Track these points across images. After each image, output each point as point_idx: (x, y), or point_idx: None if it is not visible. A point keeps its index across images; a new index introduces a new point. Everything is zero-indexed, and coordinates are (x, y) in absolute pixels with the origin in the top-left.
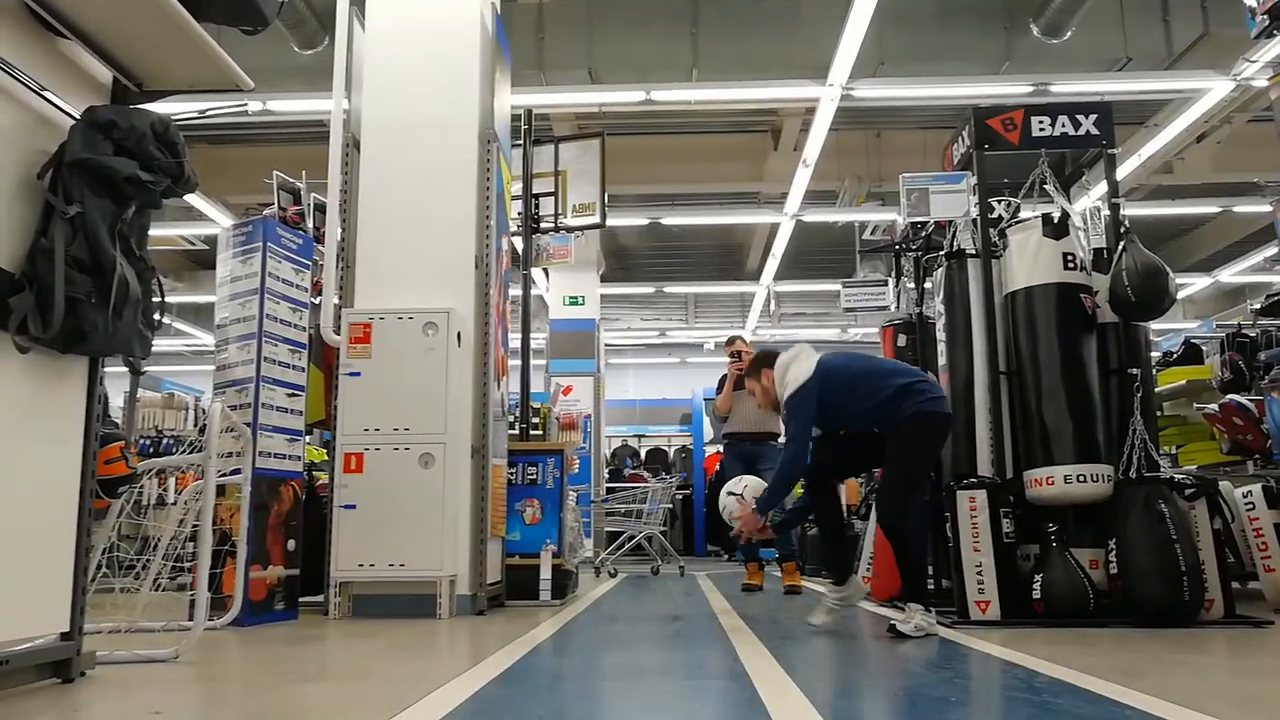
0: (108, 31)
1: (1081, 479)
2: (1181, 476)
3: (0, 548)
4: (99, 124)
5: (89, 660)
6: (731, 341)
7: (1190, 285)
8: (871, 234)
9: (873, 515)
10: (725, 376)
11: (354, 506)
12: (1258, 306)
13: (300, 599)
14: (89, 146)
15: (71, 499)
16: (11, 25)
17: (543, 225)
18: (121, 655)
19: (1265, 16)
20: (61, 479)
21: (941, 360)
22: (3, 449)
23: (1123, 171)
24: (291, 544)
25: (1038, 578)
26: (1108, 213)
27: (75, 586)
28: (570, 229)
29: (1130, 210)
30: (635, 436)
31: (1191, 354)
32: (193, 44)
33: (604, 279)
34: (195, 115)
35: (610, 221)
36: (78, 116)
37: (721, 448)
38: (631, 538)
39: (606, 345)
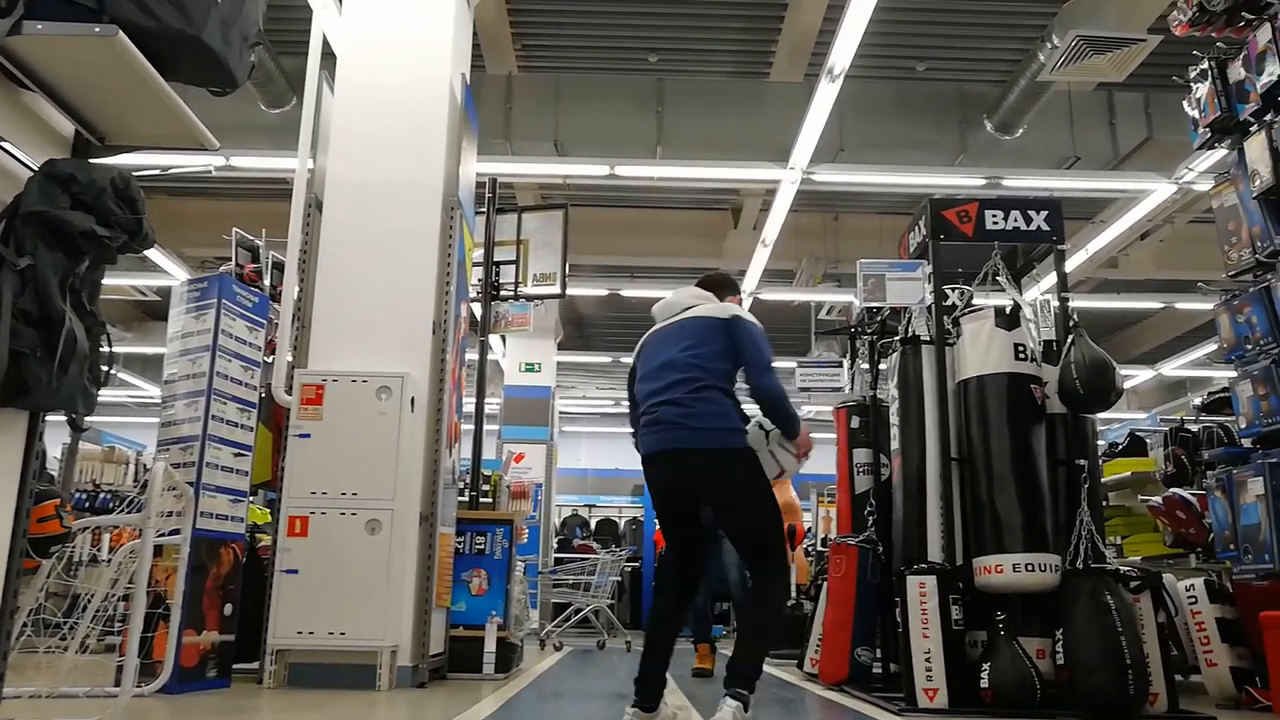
0: (72, 85)
1: (1030, 568)
2: (1127, 569)
3: None
4: (58, 177)
5: None
6: None
7: (1134, 377)
8: (828, 314)
9: (821, 595)
10: None
11: (296, 571)
12: (1199, 403)
13: (234, 666)
14: (46, 199)
15: None
16: None
17: (503, 293)
18: None
19: (1207, 130)
20: None
21: (894, 444)
22: None
23: (1071, 264)
24: (229, 608)
25: (985, 666)
26: (1057, 306)
27: None
28: (530, 298)
29: (1078, 302)
30: (586, 506)
31: (1136, 446)
32: (159, 101)
33: (561, 346)
34: (158, 171)
35: (570, 291)
36: (36, 169)
37: None
38: (579, 610)
39: (561, 413)
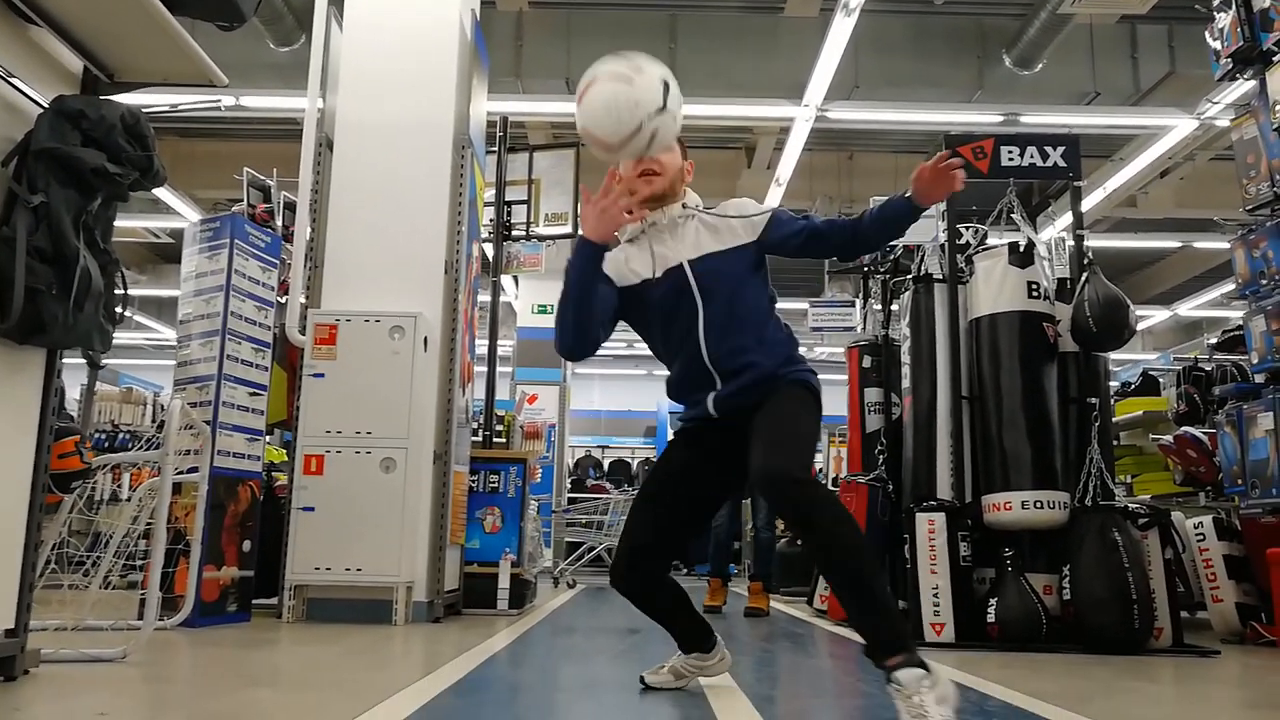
0: (80, 21)
1: (1039, 505)
2: (1135, 506)
3: None
4: (67, 114)
5: (33, 658)
6: None
7: (1150, 317)
8: None
9: None
10: None
11: (312, 509)
12: (1214, 341)
13: (254, 601)
14: (56, 136)
15: (23, 493)
16: None
17: (514, 233)
18: (67, 654)
19: (1229, 60)
20: (13, 472)
21: (906, 383)
22: None
23: (1088, 203)
24: (247, 545)
25: (993, 602)
26: (1072, 244)
27: (22, 583)
28: (542, 238)
29: (1094, 242)
30: (599, 447)
31: (1149, 385)
32: (167, 37)
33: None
34: (167, 109)
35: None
36: (46, 105)
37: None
38: (592, 549)
39: None
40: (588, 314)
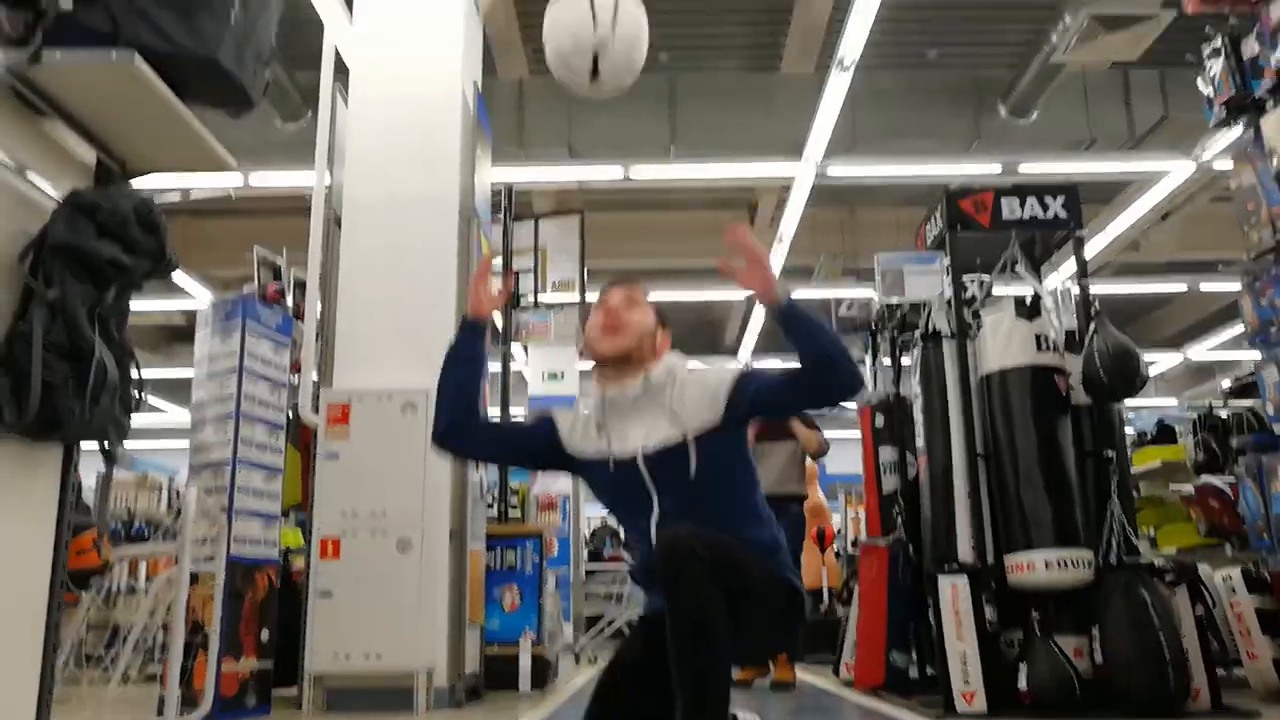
0: (92, 112)
1: (1062, 564)
2: (1161, 562)
3: None
4: (82, 207)
5: None
6: None
7: (1160, 362)
8: (847, 309)
9: (854, 599)
10: None
11: (330, 594)
12: (1228, 388)
13: (273, 690)
14: (72, 230)
15: (41, 594)
16: None
17: (522, 302)
18: None
19: (1223, 108)
20: (30, 573)
21: (920, 442)
22: None
23: (1090, 250)
24: (265, 634)
25: (1023, 666)
26: (1078, 293)
27: (42, 686)
28: (550, 305)
29: (1099, 287)
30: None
31: (1165, 434)
32: (178, 125)
33: (583, 354)
34: (179, 196)
35: (589, 297)
36: (60, 199)
37: None
38: (611, 621)
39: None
40: (453, 391)
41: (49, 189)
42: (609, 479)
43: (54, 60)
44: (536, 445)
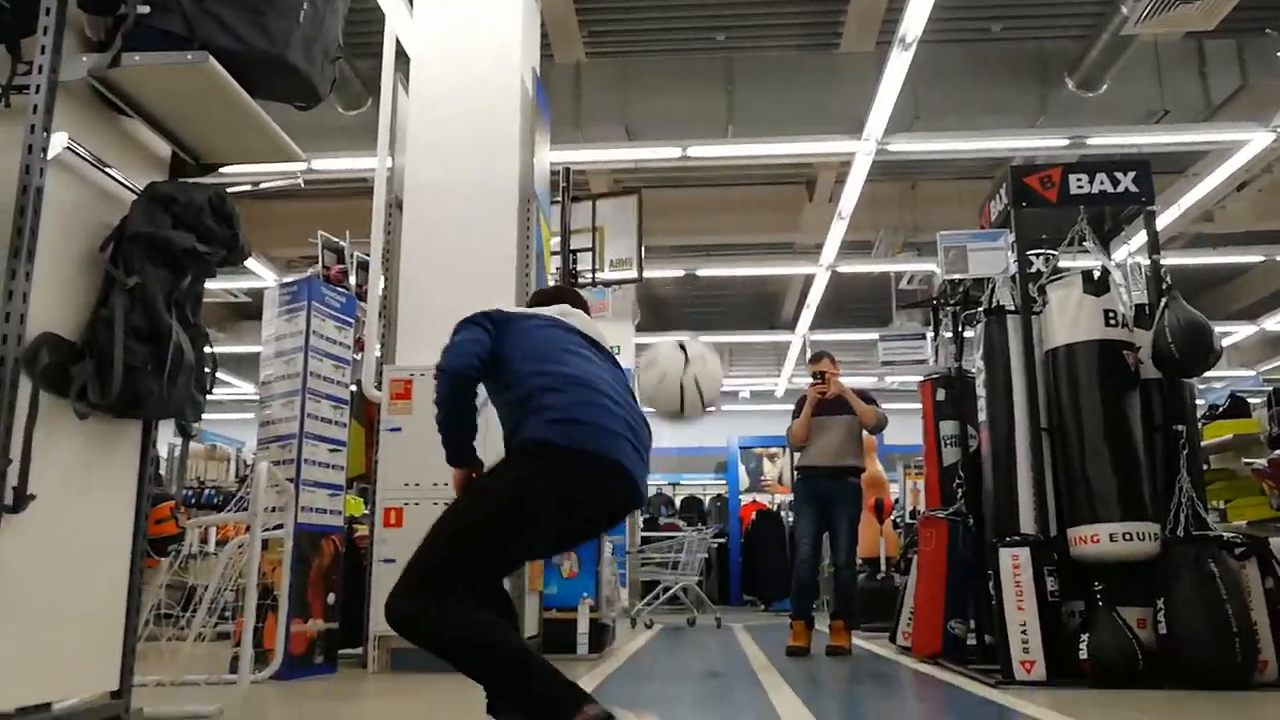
0: (168, 109)
1: (1128, 537)
2: (1231, 535)
3: (56, 608)
4: (159, 199)
5: (137, 717)
6: (818, 359)
7: (1234, 334)
8: (908, 284)
9: (912, 569)
10: (804, 399)
11: (393, 561)
12: None
13: (340, 651)
14: (150, 221)
15: (124, 559)
16: (78, 105)
17: (580, 280)
18: (168, 711)
19: None
20: (115, 540)
21: (982, 416)
22: (61, 511)
23: (1162, 221)
24: (331, 597)
25: (1084, 637)
26: (1148, 267)
27: (125, 646)
28: (608, 283)
29: (1171, 259)
30: (670, 485)
31: (1238, 407)
32: (249, 120)
33: (639, 329)
34: (249, 187)
35: (646, 274)
36: (139, 192)
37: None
38: (668, 588)
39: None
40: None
41: (128, 183)
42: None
43: (132, 62)
44: None
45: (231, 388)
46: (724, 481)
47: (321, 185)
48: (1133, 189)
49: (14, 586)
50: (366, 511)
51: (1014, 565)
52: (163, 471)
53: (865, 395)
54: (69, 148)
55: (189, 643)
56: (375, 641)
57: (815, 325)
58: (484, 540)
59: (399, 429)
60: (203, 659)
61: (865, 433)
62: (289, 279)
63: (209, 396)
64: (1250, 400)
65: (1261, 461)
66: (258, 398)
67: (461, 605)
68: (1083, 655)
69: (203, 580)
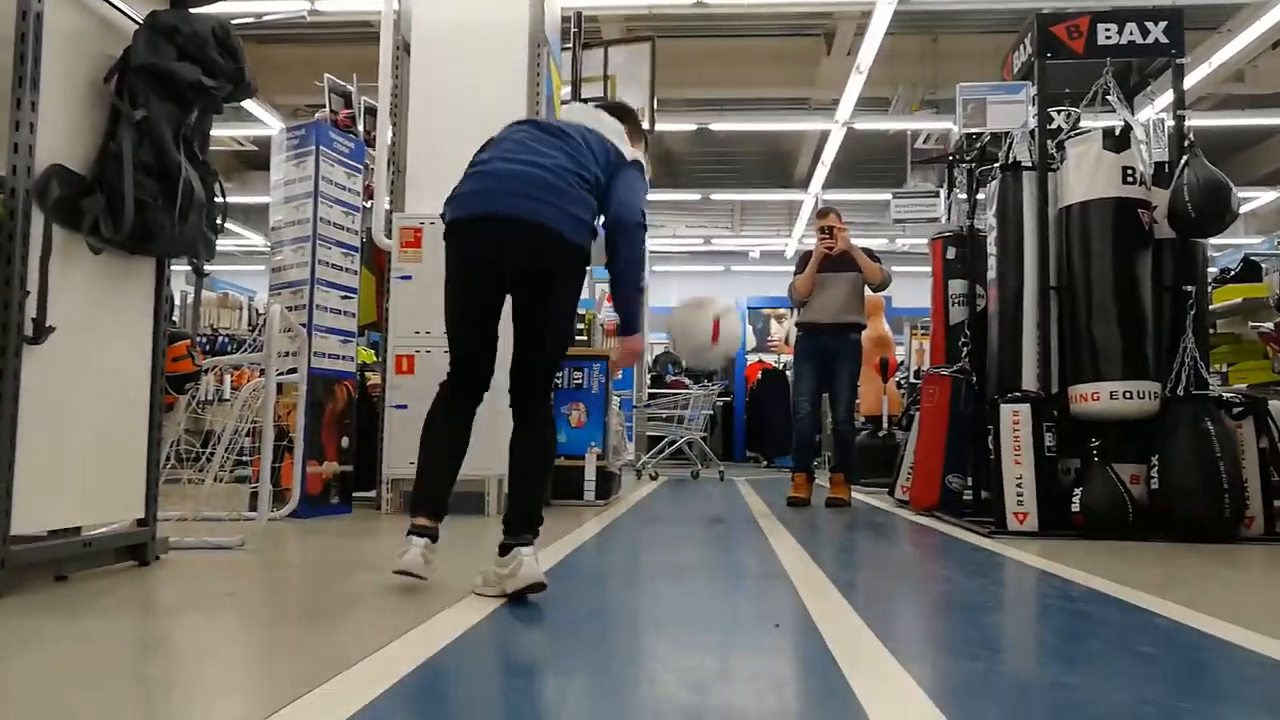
0: None
1: (1129, 395)
2: (1230, 395)
3: (81, 438)
4: (162, 29)
5: (163, 545)
6: (825, 214)
7: (1254, 199)
8: (924, 143)
9: (914, 425)
10: (808, 255)
11: (405, 406)
12: None
13: (354, 494)
14: (153, 51)
15: (143, 394)
16: None
17: None
18: (191, 542)
19: None
20: (134, 374)
21: (991, 274)
22: (80, 346)
23: (1191, 79)
24: (345, 441)
25: (1077, 491)
26: (1172, 125)
27: (149, 476)
28: None
29: (1196, 121)
30: None
31: (1250, 271)
32: None
33: (650, 184)
34: (252, 19)
35: (658, 127)
36: (140, 21)
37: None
38: (673, 442)
39: (651, 252)
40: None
41: (129, 11)
42: None
43: None
44: None
45: (241, 239)
46: None
47: (327, 29)
48: (1163, 40)
49: (40, 415)
50: (378, 360)
51: (1014, 421)
52: (176, 318)
53: (871, 254)
54: None
55: (208, 483)
56: (388, 484)
57: (828, 185)
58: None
59: (409, 277)
60: (222, 497)
61: (870, 291)
62: (296, 124)
63: (218, 244)
64: (1264, 265)
65: (1268, 325)
66: (268, 247)
67: (435, 407)
68: (1075, 508)
69: (221, 422)
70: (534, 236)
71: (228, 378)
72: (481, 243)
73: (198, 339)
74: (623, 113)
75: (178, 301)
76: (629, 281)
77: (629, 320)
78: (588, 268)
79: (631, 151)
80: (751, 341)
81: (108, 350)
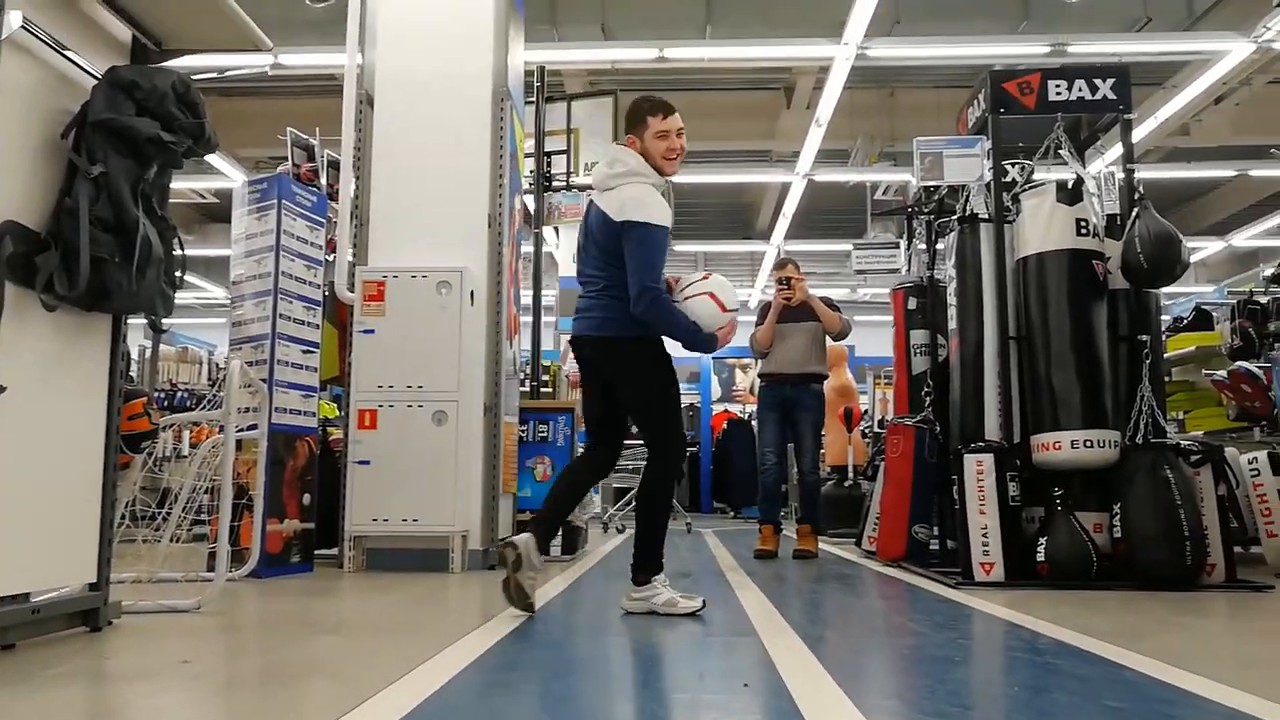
0: None
1: (1089, 444)
2: (1187, 443)
3: (31, 500)
4: (121, 84)
5: (115, 610)
6: (783, 264)
7: (1203, 249)
8: (883, 194)
9: (879, 475)
10: (768, 306)
11: (368, 462)
12: (1269, 273)
13: (316, 552)
14: (111, 107)
15: (97, 453)
16: None
17: (555, 184)
18: (146, 605)
19: None
20: (88, 434)
21: (952, 324)
22: (32, 405)
23: (1139, 133)
24: (307, 498)
25: (1042, 540)
26: (1122, 178)
27: (102, 538)
28: (582, 187)
29: (1145, 173)
30: None
31: (1202, 320)
32: (213, 3)
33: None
34: (215, 74)
35: None
36: (99, 76)
37: (757, 390)
38: None
39: None
40: None
41: (88, 66)
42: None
43: None
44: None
45: (201, 291)
46: (696, 392)
47: (290, 83)
48: (1110, 96)
49: None
50: (340, 414)
51: (978, 471)
52: (134, 373)
53: (830, 303)
54: (24, 28)
55: (165, 542)
56: (351, 541)
57: (790, 235)
58: None
59: (372, 331)
60: (179, 557)
61: (831, 340)
62: (258, 177)
63: (178, 298)
64: (1214, 314)
65: (1221, 373)
66: (228, 300)
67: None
68: (1040, 558)
69: (178, 481)
70: (586, 348)
71: (186, 434)
72: (576, 355)
73: (156, 394)
74: (629, 121)
75: (135, 356)
76: (680, 341)
77: (706, 346)
78: (645, 342)
79: (633, 198)
80: (717, 392)
81: (61, 409)
